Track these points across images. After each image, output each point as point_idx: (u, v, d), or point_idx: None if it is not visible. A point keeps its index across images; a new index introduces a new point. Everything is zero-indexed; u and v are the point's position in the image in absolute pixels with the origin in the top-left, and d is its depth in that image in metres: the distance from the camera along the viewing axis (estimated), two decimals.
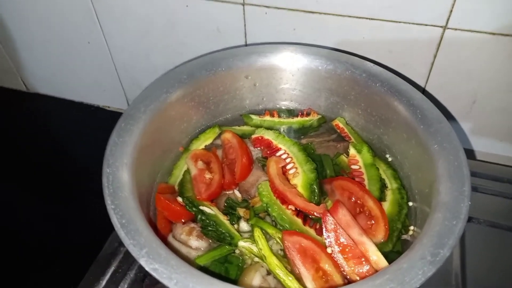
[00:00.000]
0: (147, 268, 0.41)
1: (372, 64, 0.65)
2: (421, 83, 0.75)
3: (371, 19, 0.69)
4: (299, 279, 0.51)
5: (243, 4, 0.74)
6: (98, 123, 1.00)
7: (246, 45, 0.81)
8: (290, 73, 0.69)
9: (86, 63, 0.96)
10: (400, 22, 0.68)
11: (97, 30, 0.87)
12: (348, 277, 0.51)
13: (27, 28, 0.93)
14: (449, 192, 0.48)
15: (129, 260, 0.62)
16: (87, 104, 1.06)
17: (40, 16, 0.89)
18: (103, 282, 0.59)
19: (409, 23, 0.67)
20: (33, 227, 0.78)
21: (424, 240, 0.44)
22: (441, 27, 0.66)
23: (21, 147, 0.96)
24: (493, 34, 0.64)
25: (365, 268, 0.51)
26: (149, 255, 0.42)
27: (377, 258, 0.51)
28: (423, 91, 0.76)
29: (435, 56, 0.70)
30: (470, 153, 0.82)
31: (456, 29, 0.66)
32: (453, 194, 0.48)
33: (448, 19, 0.65)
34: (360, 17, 0.69)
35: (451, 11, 0.64)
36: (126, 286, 0.60)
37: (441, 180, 0.50)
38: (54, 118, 1.04)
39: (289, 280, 0.50)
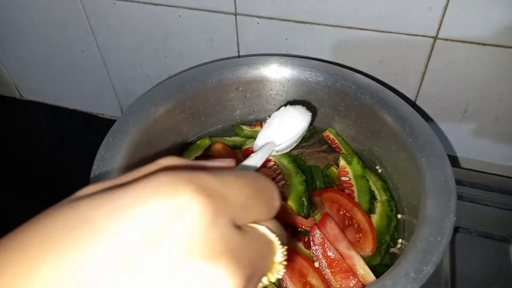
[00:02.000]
0: None
1: (361, 76, 0.65)
2: (413, 92, 0.75)
3: (362, 29, 0.69)
4: None
5: (235, 14, 0.74)
6: (91, 130, 1.00)
7: (239, 55, 0.81)
8: (280, 84, 0.70)
9: (80, 72, 0.96)
10: (390, 32, 0.68)
11: (91, 40, 0.87)
12: None
13: (20, 35, 0.93)
14: (435, 206, 0.48)
15: None
16: (81, 112, 1.06)
17: (34, 25, 0.89)
18: None
19: (400, 33, 0.67)
20: None
21: (409, 256, 0.44)
22: (431, 37, 0.66)
23: (14, 153, 0.96)
24: (484, 44, 0.64)
25: (352, 282, 0.51)
26: None
27: (364, 272, 0.51)
28: (415, 100, 0.76)
29: (426, 66, 0.70)
30: (459, 161, 0.83)
31: (446, 39, 0.66)
32: (438, 209, 0.48)
33: (438, 30, 0.65)
34: (351, 27, 0.69)
35: (441, 21, 0.64)
36: None
37: (428, 194, 0.50)
38: (47, 125, 1.04)
39: None
